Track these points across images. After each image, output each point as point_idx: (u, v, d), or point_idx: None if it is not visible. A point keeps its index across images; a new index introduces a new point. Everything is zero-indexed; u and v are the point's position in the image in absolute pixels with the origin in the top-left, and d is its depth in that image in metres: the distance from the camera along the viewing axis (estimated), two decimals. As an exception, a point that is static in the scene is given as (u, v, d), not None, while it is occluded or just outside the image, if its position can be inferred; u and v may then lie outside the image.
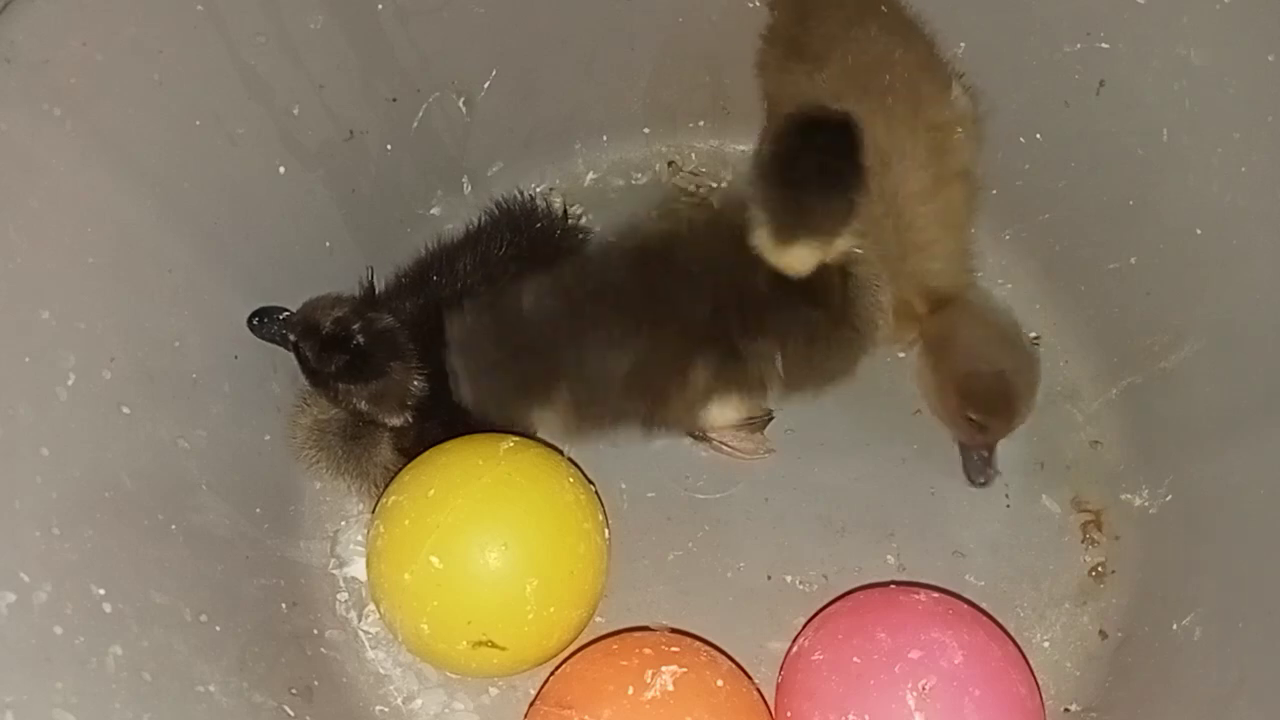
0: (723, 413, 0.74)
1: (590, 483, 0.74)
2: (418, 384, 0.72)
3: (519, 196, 0.81)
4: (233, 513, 0.72)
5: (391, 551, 0.68)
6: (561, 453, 0.74)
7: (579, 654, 0.70)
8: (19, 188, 0.60)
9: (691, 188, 0.89)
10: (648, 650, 0.66)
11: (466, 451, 0.70)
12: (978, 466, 0.77)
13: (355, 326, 0.70)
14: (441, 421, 0.73)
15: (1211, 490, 0.72)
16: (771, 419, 0.80)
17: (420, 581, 0.66)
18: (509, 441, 0.70)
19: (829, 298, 0.70)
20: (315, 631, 0.75)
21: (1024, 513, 0.79)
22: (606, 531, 0.73)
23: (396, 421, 0.73)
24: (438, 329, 0.72)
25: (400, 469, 0.72)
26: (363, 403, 0.72)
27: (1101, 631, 0.76)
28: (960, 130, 0.74)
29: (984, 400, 0.74)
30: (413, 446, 0.73)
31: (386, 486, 0.72)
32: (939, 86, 0.74)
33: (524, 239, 0.78)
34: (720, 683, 0.65)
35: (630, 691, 0.63)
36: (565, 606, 0.69)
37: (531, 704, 0.68)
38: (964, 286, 0.78)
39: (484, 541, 0.66)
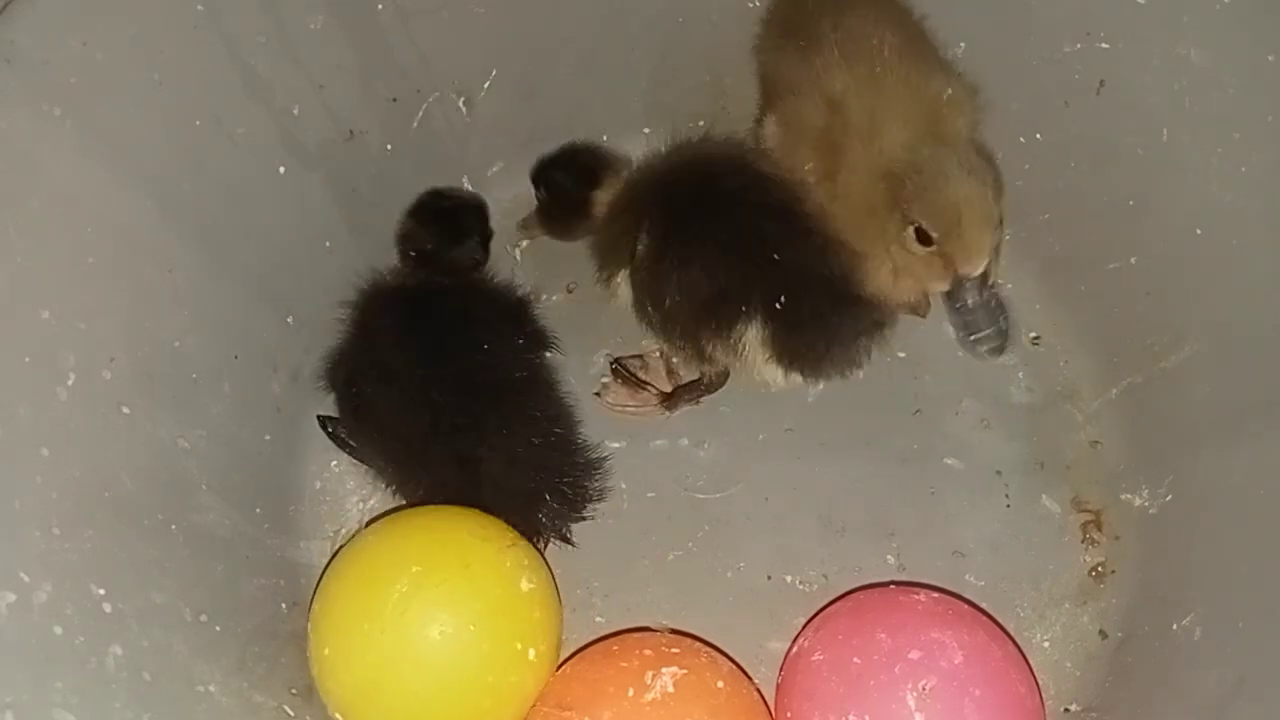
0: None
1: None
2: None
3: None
4: (233, 513, 0.72)
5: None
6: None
7: (579, 655, 0.69)
8: (19, 188, 0.60)
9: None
10: (648, 651, 0.66)
11: (356, 611, 0.65)
12: (966, 313, 0.70)
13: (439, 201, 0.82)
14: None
15: (1211, 490, 0.72)
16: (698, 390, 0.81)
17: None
18: (402, 585, 0.64)
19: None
20: (315, 631, 0.75)
21: (1024, 513, 0.79)
22: (533, 652, 0.67)
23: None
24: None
25: None
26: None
27: (1101, 631, 0.76)
28: (953, 104, 0.73)
29: (924, 195, 0.68)
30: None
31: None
32: (932, 70, 0.74)
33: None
34: (721, 684, 0.65)
35: (630, 693, 0.63)
36: None
37: (532, 705, 0.68)
38: None
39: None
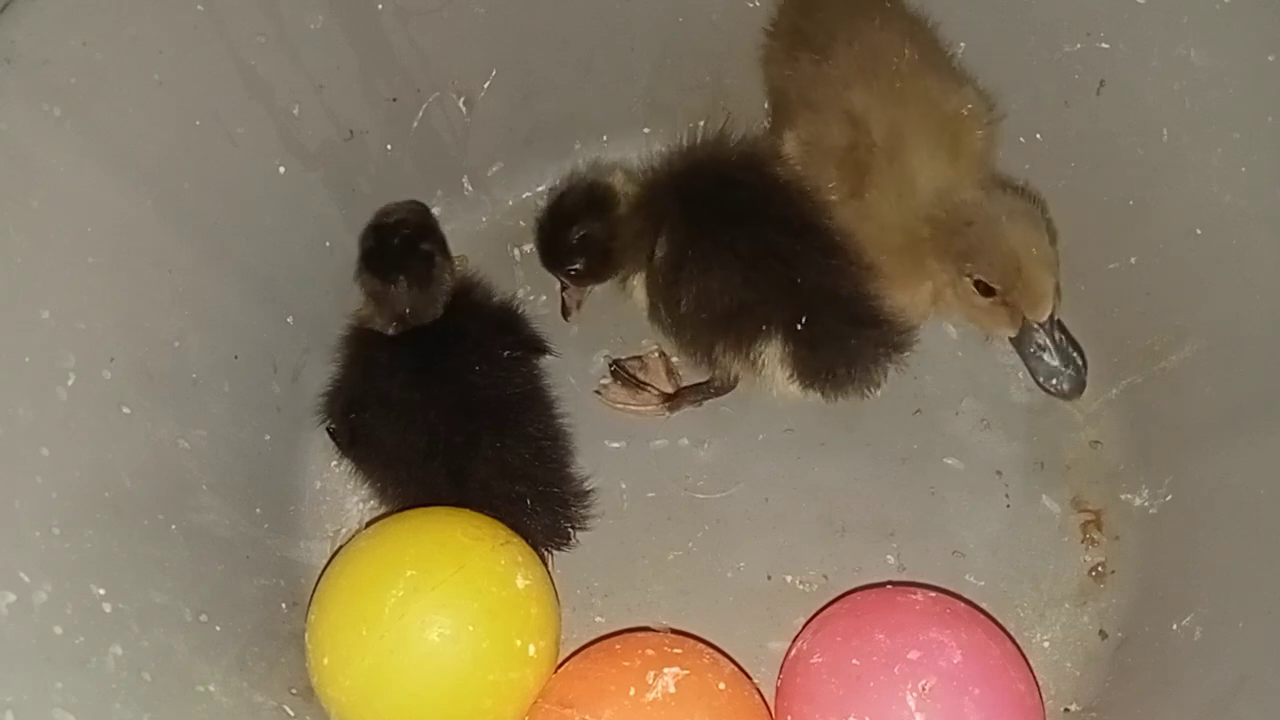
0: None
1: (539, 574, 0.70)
2: (410, 311, 0.75)
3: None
4: (233, 513, 0.72)
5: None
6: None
7: (581, 653, 0.70)
8: (19, 188, 0.60)
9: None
10: (650, 651, 0.66)
11: (353, 618, 0.65)
12: (1039, 357, 0.71)
13: (404, 230, 0.77)
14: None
15: (1211, 490, 0.72)
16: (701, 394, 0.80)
17: None
18: (398, 590, 0.64)
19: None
20: (315, 631, 0.75)
21: (1024, 513, 0.79)
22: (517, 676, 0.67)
23: (389, 330, 0.76)
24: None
25: None
26: (365, 294, 0.77)
27: (1101, 631, 0.76)
28: (972, 118, 0.74)
29: (980, 248, 0.70)
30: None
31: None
32: (949, 83, 0.74)
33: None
34: (722, 686, 0.65)
35: (632, 692, 0.63)
36: None
37: (534, 702, 0.68)
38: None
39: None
